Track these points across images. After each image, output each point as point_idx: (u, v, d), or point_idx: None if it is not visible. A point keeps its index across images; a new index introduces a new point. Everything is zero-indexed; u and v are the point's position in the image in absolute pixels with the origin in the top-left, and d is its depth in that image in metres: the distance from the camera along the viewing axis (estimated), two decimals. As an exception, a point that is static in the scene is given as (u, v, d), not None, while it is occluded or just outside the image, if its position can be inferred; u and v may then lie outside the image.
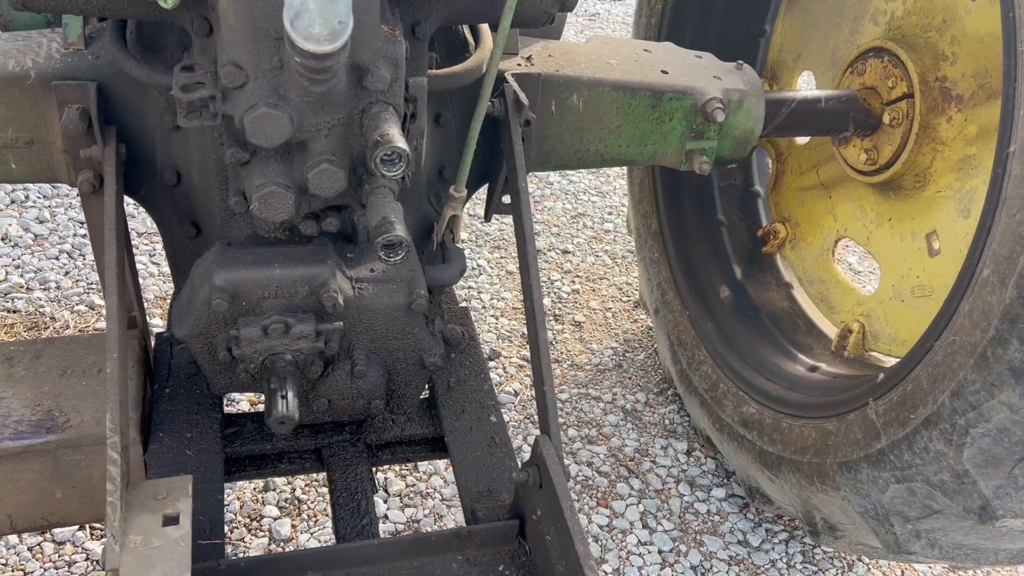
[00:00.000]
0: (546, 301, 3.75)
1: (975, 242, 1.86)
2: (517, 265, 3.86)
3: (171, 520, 1.43)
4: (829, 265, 2.92)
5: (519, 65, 2.05)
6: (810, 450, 2.32)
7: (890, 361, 2.56)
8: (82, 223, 3.74)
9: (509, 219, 4.20)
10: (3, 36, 1.90)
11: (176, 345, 2.00)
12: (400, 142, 1.37)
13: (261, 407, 2.62)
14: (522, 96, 1.90)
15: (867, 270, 4.25)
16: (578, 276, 3.93)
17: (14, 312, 3.24)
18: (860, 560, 2.80)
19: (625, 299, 3.84)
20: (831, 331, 2.83)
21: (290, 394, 1.56)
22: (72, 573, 2.39)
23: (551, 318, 3.65)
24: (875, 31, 2.60)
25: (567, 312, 3.70)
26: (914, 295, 2.52)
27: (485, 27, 1.97)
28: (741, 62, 2.33)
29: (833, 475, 2.23)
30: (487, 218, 2.19)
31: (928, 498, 1.99)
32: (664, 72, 2.20)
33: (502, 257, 3.97)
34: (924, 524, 2.06)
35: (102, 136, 1.75)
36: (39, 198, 3.87)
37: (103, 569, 2.04)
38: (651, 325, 3.56)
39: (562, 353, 3.45)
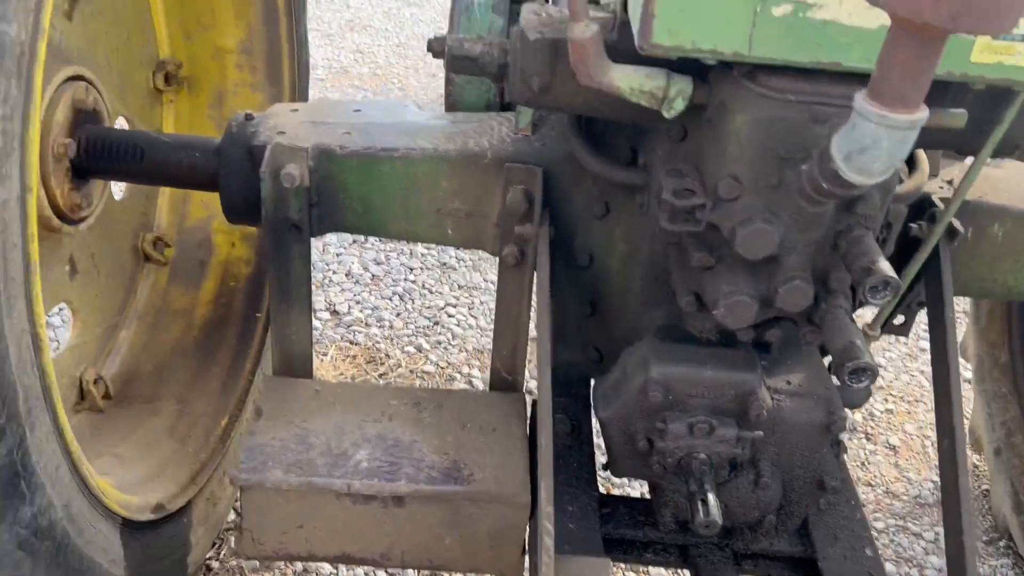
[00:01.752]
0: (856, 416, 3.56)
1: None
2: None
3: (591, 602, 1.47)
4: None
5: (941, 187, 1.98)
6: None
7: None
8: (411, 269, 4.07)
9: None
10: (458, 116, 2.11)
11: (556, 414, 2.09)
12: (890, 272, 1.36)
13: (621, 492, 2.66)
14: (957, 224, 1.83)
15: None
16: (891, 394, 3.70)
17: (355, 344, 3.56)
18: None
19: (943, 428, 3.55)
20: None
21: (712, 497, 1.56)
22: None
23: (861, 435, 3.45)
24: None
25: (880, 432, 3.48)
26: None
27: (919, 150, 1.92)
28: None
29: None
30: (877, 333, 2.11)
31: None
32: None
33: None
34: None
35: (539, 217, 1.88)
36: (376, 241, 4.26)
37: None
38: (979, 464, 3.27)
39: (875, 476, 3.25)
